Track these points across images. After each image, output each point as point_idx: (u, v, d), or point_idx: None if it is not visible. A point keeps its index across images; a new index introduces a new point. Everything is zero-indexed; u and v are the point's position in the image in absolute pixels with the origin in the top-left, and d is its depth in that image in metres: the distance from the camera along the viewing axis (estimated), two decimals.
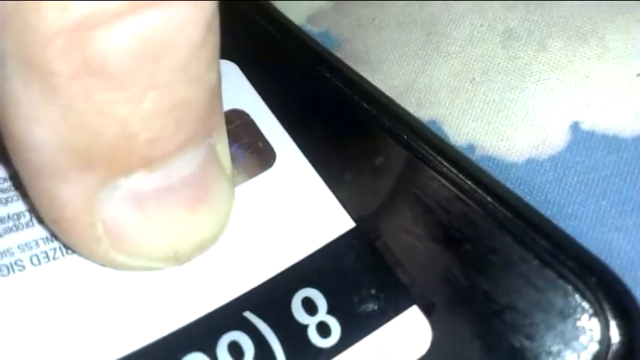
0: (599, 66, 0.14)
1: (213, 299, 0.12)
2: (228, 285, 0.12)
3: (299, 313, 0.12)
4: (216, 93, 0.11)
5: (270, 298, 0.12)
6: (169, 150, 0.11)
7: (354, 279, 0.12)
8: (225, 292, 0.12)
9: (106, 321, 0.12)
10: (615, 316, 0.11)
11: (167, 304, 0.12)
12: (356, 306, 0.12)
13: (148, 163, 0.11)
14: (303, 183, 0.14)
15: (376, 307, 0.12)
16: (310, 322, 0.12)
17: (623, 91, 0.13)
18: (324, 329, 0.12)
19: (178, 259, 0.12)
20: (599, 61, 0.14)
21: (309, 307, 0.12)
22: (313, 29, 0.17)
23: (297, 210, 0.13)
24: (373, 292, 0.12)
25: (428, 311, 0.12)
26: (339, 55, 0.15)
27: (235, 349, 0.12)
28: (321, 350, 0.12)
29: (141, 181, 0.11)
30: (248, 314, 0.12)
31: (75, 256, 0.12)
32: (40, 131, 0.10)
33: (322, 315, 0.12)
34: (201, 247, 0.12)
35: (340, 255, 0.13)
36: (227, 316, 0.12)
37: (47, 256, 0.12)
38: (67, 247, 0.12)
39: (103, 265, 0.12)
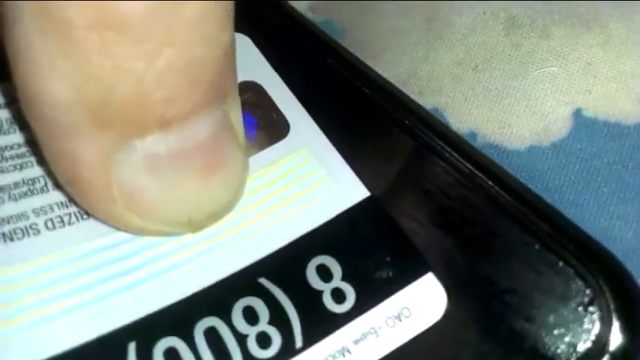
0: (601, 53, 0.13)
1: (228, 265, 0.12)
2: (243, 252, 0.12)
3: (314, 280, 0.12)
4: (230, 56, 0.11)
5: (285, 265, 0.12)
6: (183, 111, 0.10)
7: (369, 247, 0.12)
8: (240, 259, 0.12)
9: (120, 285, 0.11)
10: (617, 301, 0.10)
11: (182, 269, 0.12)
12: (371, 273, 0.12)
13: (163, 125, 0.10)
14: (318, 153, 0.13)
15: (391, 274, 0.12)
16: (325, 288, 0.12)
17: (626, 79, 0.13)
18: (338, 295, 0.11)
19: (193, 226, 0.12)
20: (601, 48, 0.13)
21: (324, 273, 0.12)
22: (315, 18, 0.16)
23: (312, 179, 0.13)
24: (388, 259, 0.12)
25: (444, 278, 0.11)
26: (342, 43, 0.15)
27: (250, 314, 0.11)
28: (335, 315, 0.11)
29: (155, 143, 0.10)
30: (263, 280, 0.12)
31: (90, 220, 0.12)
32: (56, 85, 0.09)
33: (337, 281, 0.12)
34: (216, 215, 0.12)
35: (355, 223, 0.12)
36: (242, 282, 0.12)
37: (62, 221, 0.12)
38: (81, 213, 0.12)
39: (119, 228, 0.11)
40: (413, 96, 0.15)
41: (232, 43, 0.11)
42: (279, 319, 0.11)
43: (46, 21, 0.09)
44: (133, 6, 0.09)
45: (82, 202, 0.11)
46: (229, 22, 0.10)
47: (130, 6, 0.09)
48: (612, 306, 0.10)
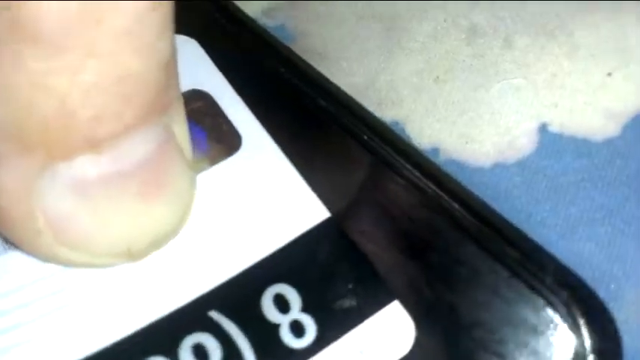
0: (567, 64, 0.13)
1: (175, 298, 0.10)
2: (191, 282, 0.11)
3: (270, 312, 0.10)
4: (170, 66, 0.10)
5: (238, 296, 0.11)
6: (117, 130, 0.09)
7: (330, 273, 0.11)
8: (188, 290, 0.11)
9: (56, 323, 0.10)
10: (589, 331, 0.10)
11: (124, 303, 0.10)
12: (332, 302, 0.11)
13: (93, 146, 0.09)
14: (272, 169, 0.12)
15: (355, 303, 0.11)
16: (283, 320, 0.10)
17: (594, 91, 0.12)
18: (298, 328, 0.10)
19: (132, 255, 0.10)
20: (567, 59, 0.13)
21: (282, 304, 0.11)
22: (268, 22, 0.15)
23: (266, 199, 0.12)
24: (351, 286, 0.11)
25: (411, 306, 0.10)
26: (295, 50, 0.14)
27: (200, 351, 0.10)
28: (294, 352, 0.10)
29: (85, 166, 0.09)
30: (214, 313, 0.10)
31: (17, 252, 0.10)
32: None
33: (296, 313, 0.10)
34: (159, 242, 0.11)
35: (315, 247, 0.11)
36: (190, 316, 0.10)
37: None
38: (7, 242, 0.10)
39: (46, 260, 0.10)
40: (372, 107, 0.14)
41: (172, 53, 0.10)
42: (232, 356, 0.10)
43: None
44: (48, 12, 0.07)
45: (5, 234, 0.10)
46: (168, 30, 0.09)
47: (45, 12, 0.07)
48: (584, 336, 0.10)
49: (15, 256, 0.10)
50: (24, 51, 0.08)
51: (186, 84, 0.13)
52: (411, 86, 0.14)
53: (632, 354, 0.11)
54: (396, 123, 0.14)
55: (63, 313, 0.10)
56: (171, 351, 0.10)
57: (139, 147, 0.09)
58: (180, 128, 0.11)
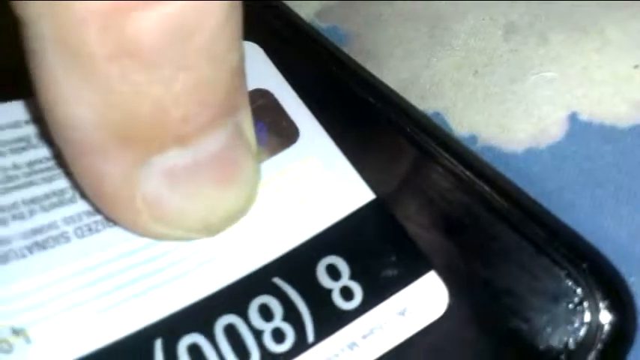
0: (597, 58, 0.14)
1: (245, 266, 0.12)
2: (258, 253, 0.13)
3: (324, 279, 0.12)
4: (240, 73, 0.11)
5: (297, 265, 0.12)
6: (197, 127, 0.11)
7: (375, 247, 0.13)
8: (255, 260, 0.12)
9: (146, 286, 0.12)
10: (605, 300, 0.11)
11: (202, 270, 0.12)
12: (376, 272, 0.12)
13: (180, 141, 0.11)
14: (325, 158, 0.14)
15: (396, 272, 0.12)
16: (334, 286, 0.12)
17: (621, 83, 0.13)
18: (347, 293, 0.12)
19: (210, 230, 0.12)
20: (597, 53, 0.14)
21: (333, 273, 0.12)
22: (322, 24, 0.17)
23: (320, 183, 0.13)
24: (393, 259, 0.12)
25: (445, 276, 0.12)
26: (346, 50, 0.15)
27: (265, 311, 0.12)
28: (344, 312, 0.12)
29: (174, 158, 0.11)
30: (277, 280, 0.12)
31: (115, 227, 0.12)
32: (80, 111, 0.10)
33: (345, 280, 0.12)
34: (231, 219, 0.13)
35: (361, 225, 0.13)
36: (257, 282, 0.12)
37: (90, 229, 0.12)
38: (107, 220, 0.12)
39: (143, 235, 0.12)
40: (415, 101, 0.15)
41: (241, 61, 0.11)
42: (292, 315, 0.12)
43: (67, 53, 0.09)
44: (149, 37, 0.09)
45: (108, 214, 0.12)
46: (238, 43, 0.11)
47: (146, 37, 0.09)
48: (601, 305, 0.11)
49: (114, 231, 0.12)
50: (129, 67, 0.09)
51: (252, 84, 0.15)
52: (451, 80, 0.15)
53: None
54: (438, 114, 0.15)
55: (153, 278, 0.12)
56: (242, 310, 0.12)
57: (215, 142, 0.11)
58: (248, 125, 0.12)
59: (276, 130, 0.14)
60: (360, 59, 0.16)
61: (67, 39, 0.09)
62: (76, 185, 0.12)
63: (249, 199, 0.13)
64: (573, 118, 0.13)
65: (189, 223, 0.12)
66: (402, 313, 0.12)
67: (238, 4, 0.11)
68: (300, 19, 0.16)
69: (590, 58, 0.14)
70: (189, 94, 0.10)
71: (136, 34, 0.09)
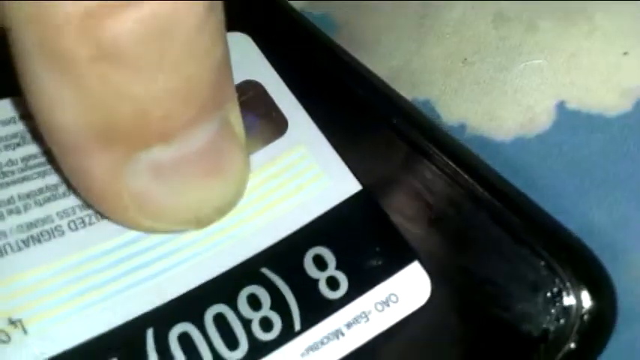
0: (586, 45, 0.14)
1: (233, 257, 0.13)
2: (246, 244, 0.13)
3: (310, 269, 0.13)
4: (224, 67, 0.11)
5: (285, 256, 0.13)
6: (183, 124, 0.11)
7: (361, 237, 0.13)
8: (244, 251, 0.13)
9: (138, 278, 0.12)
10: (585, 288, 0.11)
11: (192, 261, 0.13)
12: (362, 262, 0.13)
13: (164, 138, 0.11)
14: (313, 149, 0.14)
15: (380, 263, 0.12)
16: (321, 276, 0.12)
17: (609, 70, 0.13)
18: (333, 283, 0.12)
19: (200, 223, 0.13)
20: (586, 40, 0.13)
21: (320, 263, 0.13)
22: (313, 12, 0.17)
23: (308, 174, 0.14)
24: (378, 249, 0.13)
25: (428, 266, 0.12)
26: (338, 37, 0.15)
27: (254, 301, 0.12)
28: (330, 301, 0.12)
29: (159, 153, 0.11)
30: (265, 270, 0.13)
31: (107, 221, 0.13)
32: (64, 114, 0.10)
33: (331, 270, 0.12)
34: (221, 212, 0.13)
35: (348, 216, 0.13)
36: (246, 272, 0.13)
37: (83, 222, 0.13)
38: (100, 213, 0.13)
39: (132, 228, 0.12)
40: (406, 88, 0.15)
41: (225, 55, 0.11)
42: (279, 305, 0.12)
43: (50, 58, 0.10)
44: (126, 39, 0.09)
45: (97, 209, 0.12)
46: (220, 38, 0.11)
47: (123, 39, 0.09)
48: (580, 292, 0.11)
49: (106, 224, 0.13)
50: (108, 69, 0.10)
51: (242, 74, 0.15)
52: (441, 68, 0.15)
53: (634, 312, 0.12)
54: (428, 102, 0.15)
55: (145, 270, 0.12)
56: (231, 300, 0.12)
57: (200, 136, 0.11)
58: (235, 117, 0.13)
59: (266, 122, 0.15)
60: (350, 47, 0.16)
61: (48, 44, 0.09)
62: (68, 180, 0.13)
63: (239, 192, 0.13)
64: (561, 106, 0.13)
65: (178, 217, 0.12)
66: (386, 303, 0.12)
67: (218, 1, 0.11)
68: (291, 7, 0.16)
69: (578, 45, 0.14)
70: (171, 93, 0.10)
71: (114, 38, 0.09)
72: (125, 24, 0.09)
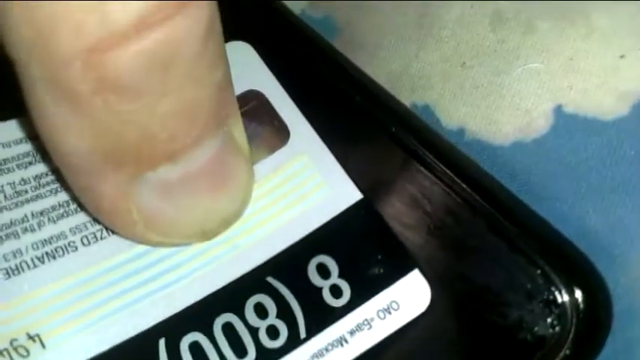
0: (583, 47, 0.14)
1: (240, 267, 0.13)
2: (252, 254, 0.13)
3: (314, 277, 0.13)
4: (225, 85, 0.12)
5: (290, 265, 0.13)
6: (187, 144, 0.11)
7: (362, 246, 0.13)
8: (250, 260, 0.13)
9: (149, 290, 0.13)
10: (580, 293, 0.11)
11: (201, 272, 0.13)
12: (364, 270, 0.13)
13: (170, 157, 0.11)
14: (315, 158, 0.14)
15: (382, 271, 0.13)
16: (324, 284, 0.13)
17: (607, 73, 0.13)
18: (336, 291, 0.13)
19: (206, 235, 0.13)
20: (584, 42, 0.13)
21: (323, 271, 0.13)
22: (314, 14, 0.17)
23: (310, 184, 0.14)
24: (379, 257, 0.13)
25: (428, 274, 0.13)
26: (339, 40, 0.15)
27: (260, 309, 0.13)
28: (334, 309, 0.13)
29: (166, 172, 0.12)
30: (270, 279, 0.13)
31: (117, 234, 0.13)
32: (73, 140, 0.11)
33: (334, 279, 0.13)
34: (227, 223, 0.13)
35: (349, 224, 0.13)
36: (252, 282, 0.13)
37: (95, 236, 0.13)
38: (109, 229, 0.13)
39: (141, 243, 0.13)
40: (405, 93, 0.16)
41: (226, 74, 0.12)
42: (285, 313, 0.13)
43: (56, 90, 0.10)
44: (127, 71, 0.10)
45: (107, 226, 0.13)
46: (220, 57, 0.11)
47: (125, 71, 0.10)
48: (576, 298, 0.11)
49: (117, 238, 0.13)
50: (112, 99, 0.10)
51: (243, 85, 0.15)
52: (440, 72, 0.15)
53: (630, 315, 0.12)
54: (427, 106, 0.15)
55: (155, 282, 0.13)
56: (239, 309, 0.13)
57: (205, 153, 0.12)
58: (238, 130, 0.13)
59: (268, 132, 0.15)
60: (350, 49, 0.17)
61: (54, 78, 0.10)
62: None
63: (244, 203, 0.13)
64: (558, 110, 0.13)
65: (186, 231, 0.13)
66: (388, 310, 0.13)
67: (216, 27, 0.11)
68: (292, 15, 0.16)
69: (576, 47, 0.14)
70: (175, 116, 0.11)
71: (115, 70, 0.10)
72: (127, 57, 0.10)
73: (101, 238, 0.13)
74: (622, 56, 0.13)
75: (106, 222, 0.12)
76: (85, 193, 0.12)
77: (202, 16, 0.10)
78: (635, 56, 0.13)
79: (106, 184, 0.11)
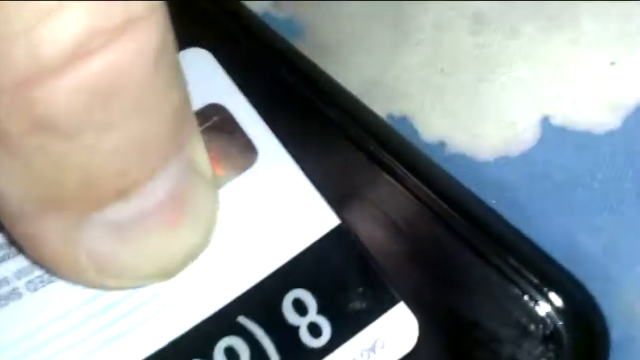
0: (572, 53, 0.13)
1: (207, 306, 0.12)
2: (220, 290, 0.12)
3: (290, 315, 0.12)
4: (182, 108, 0.10)
5: (262, 301, 0.12)
6: (140, 179, 0.10)
7: (342, 277, 0.12)
8: (218, 298, 0.12)
9: (105, 337, 0.12)
10: (576, 325, 0.10)
11: (163, 315, 0.12)
12: (345, 305, 0.12)
13: (120, 196, 0.10)
14: (286, 180, 0.13)
15: (364, 305, 0.12)
16: (301, 322, 0.12)
17: (597, 82, 0.12)
18: (315, 329, 0.12)
19: (169, 274, 0.12)
20: (572, 47, 0.13)
21: (300, 307, 0.12)
22: (278, 15, 0.15)
23: (282, 209, 0.13)
24: (361, 290, 0.12)
25: (414, 307, 0.12)
26: (306, 44, 0.14)
27: (231, 353, 0.12)
28: (312, 350, 0.12)
29: (116, 212, 0.10)
30: (242, 319, 0.12)
31: (61, 281, 0.12)
32: (4, 185, 0.09)
33: (313, 315, 0.12)
34: (190, 258, 0.12)
35: (327, 254, 0.12)
36: (222, 322, 0.12)
37: (42, 280, 0.12)
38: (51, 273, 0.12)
39: (95, 288, 0.12)
40: (381, 102, 0.14)
41: (181, 95, 0.10)
42: (259, 357, 0.12)
43: None
44: (61, 106, 0.08)
45: (55, 274, 0.11)
46: (175, 80, 0.10)
47: (58, 107, 0.08)
48: (574, 336, 0.10)
49: (59, 285, 0.12)
50: (46, 139, 0.09)
51: (203, 98, 0.14)
52: (418, 80, 0.14)
53: (625, 342, 0.11)
54: (405, 118, 0.14)
55: (110, 329, 0.12)
56: (207, 354, 0.12)
57: (162, 185, 0.11)
58: (199, 153, 0.12)
59: (234, 151, 0.14)
60: (319, 54, 0.15)
61: None
62: None
63: (208, 234, 0.12)
64: (546, 122, 0.13)
65: (144, 272, 0.11)
66: (372, 349, 0.12)
67: (169, 46, 0.10)
68: (255, 17, 0.15)
69: (563, 53, 0.13)
70: (123, 152, 0.10)
71: (49, 107, 0.08)
72: (61, 91, 0.08)
73: (49, 282, 0.12)
74: (612, 63, 0.12)
75: (52, 270, 0.11)
76: (24, 241, 0.10)
77: (151, 37, 0.09)
78: (625, 63, 0.12)
79: (48, 229, 0.10)
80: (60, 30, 0.08)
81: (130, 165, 0.10)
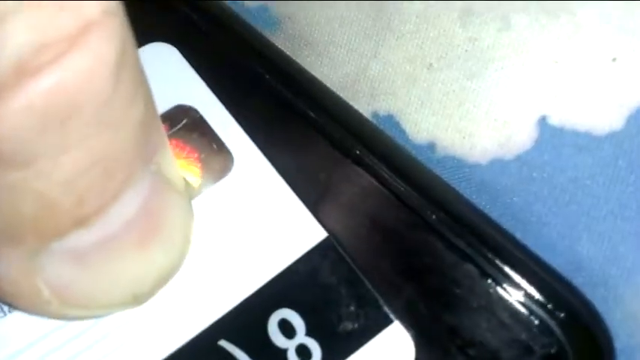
0: (570, 48, 0.12)
1: (185, 331, 0.11)
2: (199, 313, 0.11)
3: (277, 337, 0.11)
4: (148, 117, 0.09)
5: (245, 324, 0.11)
6: (102, 203, 0.09)
7: (332, 295, 0.11)
8: (197, 322, 0.11)
9: None
10: (580, 340, 0.10)
11: (137, 341, 0.11)
12: (335, 325, 0.11)
13: (81, 223, 0.09)
14: (267, 189, 0.12)
15: (356, 325, 0.11)
16: (289, 345, 0.11)
17: (597, 80, 0.11)
18: (304, 352, 0.11)
19: (139, 299, 0.11)
20: (569, 41, 0.12)
21: (287, 329, 0.11)
22: (250, 4, 0.14)
23: (263, 221, 0.12)
24: (352, 308, 0.11)
25: (409, 326, 0.11)
26: (280, 36, 0.13)
27: None
28: None
29: (77, 239, 0.09)
30: (223, 342, 0.11)
31: (19, 313, 0.11)
32: None
33: (301, 337, 0.11)
34: (163, 280, 0.11)
35: (314, 269, 0.11)
36: (202, 347, 0.11)
37: (3, 311, 0.11)
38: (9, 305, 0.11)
39: (60, 319, 0.10)
40: (364, 99, 0.13)
41: (147, 105, 0.09)
42: None
43: None
44: (12, 131, 0.07)
45: (17, 307, 0.10)
46: (139, 88, 0.09)
47: (9, 132, 0.07)
48: (574, 352, 0.10)
49: (17, 316, 0.10)
50: None
51: (170, 99, 0.13)
52: (403, 75, 0.13)
53: (629, 351, 0.11)
54: (391, 117, 0.13)
55: (82, 356, 0.11)
56: None
57: (128, 206, 0.09)
58: (168, 164, 0.10)
59: (207, 158, 0.12)
60: (296, 47, 0.14)
61: None
62: None
63: (182, 251, 0.11)
64: (543, 122, 0.12)
65: (112, 300, 0.10)
66: None
67: (129, 46, 0.08)
68: (225, 7, 0.14)
69: (560, 48, 0.12)
70: (83, 175, 0.08)
71: None
72: (8, 114, 0.07)
73: (9, 312, 0.11)
74: (614, 59, 0.12)
75: (14, 305, 0.10)
76: None
77: (109, 45, 0.08)
78: (628, 59, 0.11)
79: (4, 261, 0.09)
80: (2, 44, 0.07)
81: (92, 189, 0.09)
